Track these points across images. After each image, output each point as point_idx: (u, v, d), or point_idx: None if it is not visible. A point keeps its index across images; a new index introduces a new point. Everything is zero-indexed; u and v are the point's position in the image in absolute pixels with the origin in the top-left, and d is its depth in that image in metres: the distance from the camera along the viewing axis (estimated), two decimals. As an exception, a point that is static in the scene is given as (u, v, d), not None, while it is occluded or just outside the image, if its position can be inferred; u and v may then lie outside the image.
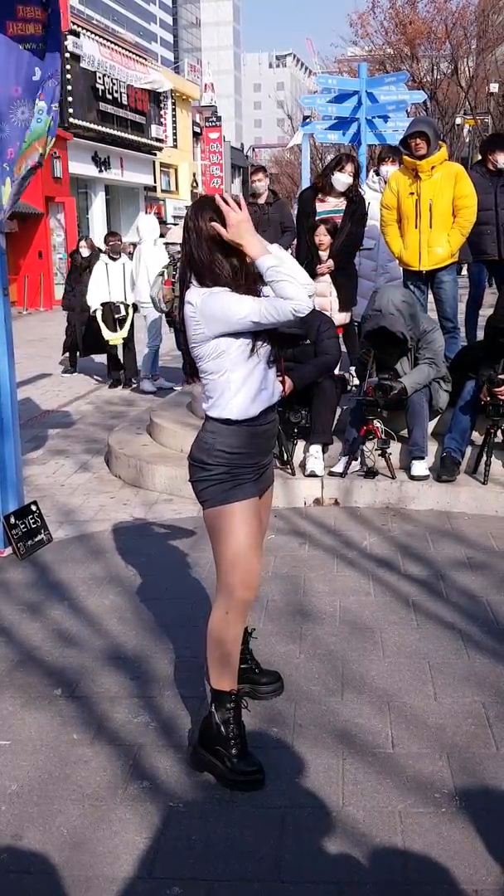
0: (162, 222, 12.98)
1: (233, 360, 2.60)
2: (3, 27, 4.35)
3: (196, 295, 2.59)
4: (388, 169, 7.07)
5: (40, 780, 2.71)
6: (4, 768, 2.77)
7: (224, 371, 2.62)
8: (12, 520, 4.59)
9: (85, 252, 11.38)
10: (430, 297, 6.43)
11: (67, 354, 11.55)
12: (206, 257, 2.59)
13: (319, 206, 6.64)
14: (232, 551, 2.67)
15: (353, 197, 6.59)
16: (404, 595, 4.01)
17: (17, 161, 4.43)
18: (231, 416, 2.64)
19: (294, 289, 2.47)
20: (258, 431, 2.69)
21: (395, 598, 3.98)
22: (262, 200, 8.49)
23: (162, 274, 8.63)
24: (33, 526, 4.73)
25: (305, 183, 12.44)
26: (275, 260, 2.50)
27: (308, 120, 17.89)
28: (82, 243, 11.70)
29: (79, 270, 11.28)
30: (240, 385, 2.62)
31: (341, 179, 6.50)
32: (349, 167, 6.54)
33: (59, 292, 11.82)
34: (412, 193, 5.98)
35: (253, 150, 63.84)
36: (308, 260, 6.45)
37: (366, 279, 7.09)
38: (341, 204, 6.58)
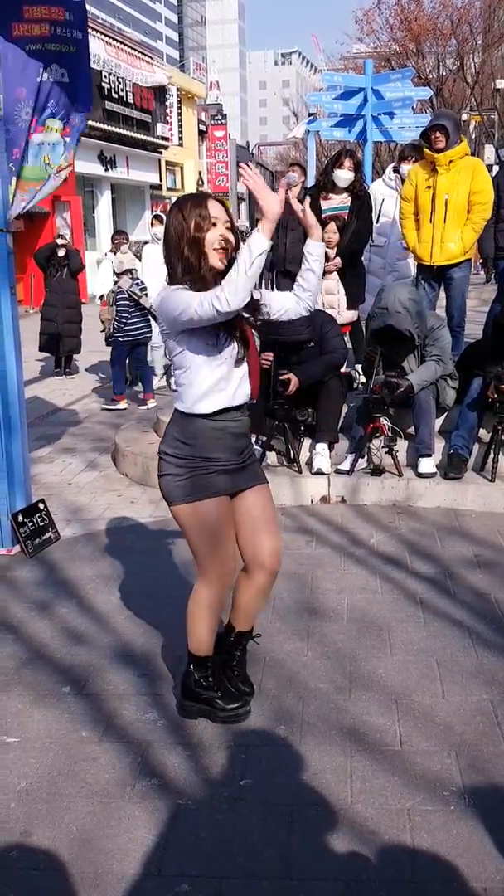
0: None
1: (192, 358, 2.68)
2: (9, 29, 4.36)
3: (160, 293, 2.66)
4: (408, 168, 7.06)
5: (49, 778, 2.71)
6: (13, 765, 2.78)
7: (186, 368, 2.70)
8: (20, 518, 4.60)
9: (61, 252, 11.18)
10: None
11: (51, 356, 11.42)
12: (185, 254, 2.63)
13: (324, 204, 6.63)
14: (206, 548, 2.81)
15: (358, 192, 6.57)
16: (412, 593, 4.01)
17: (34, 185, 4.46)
18: (183, 409, 2.75)
19: (237, 281, 2.46)
20: (215, 428, 2.75)
21: (402, 596, 3.97)
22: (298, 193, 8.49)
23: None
24: (41, 524, 4.74)
25: (311, 181, 12.41)
26: (252, 243, 2.47)
27: (313, 117, 17.88)
28: (59, 241, 11.40)
29: (57, 269, 11.18)
30: (198, 381, 2.69)
31: (342, 176, 6.49)
32: (347, 162, 6.52)
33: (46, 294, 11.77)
34: (429, 187, 5.97)
35: (259, 147, 63.79)
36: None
37: (374, 276, 7.08)
38: (346, 200, 6.56)
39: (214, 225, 2.64)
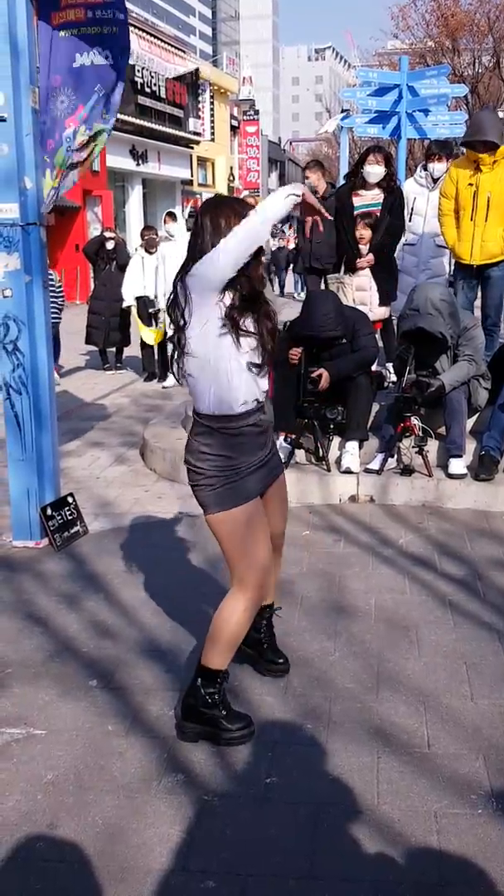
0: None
1: (224, 362, 2.65)
2: (49, 18, 4.38)
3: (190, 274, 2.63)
4: (436, 167, 7.03)
5: (76, 771, 2.73)
6: (40, 757, 2.80)
7: (216, 372, 2.67)
8: (49, 511, 4.64)
9: (110, 245, 11.25)
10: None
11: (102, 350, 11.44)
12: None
13: (356, 200, 6.61)
14: (243, 555, 2.77)
15: (391, 187, 6.54)
16: (441, 594, 3.98)
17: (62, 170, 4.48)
18: (211, 414, 2.71)
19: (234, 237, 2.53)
20: (243, 432, 2.74)
21: (431, 597, 3.95)
22: (319, 194, 8.49)
23: None
24: (69, 518, 4.77)
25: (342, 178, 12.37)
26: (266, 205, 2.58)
27: (347, 113, 17.81)
28: (108, 234, 11.46)
29: (105, 262, 11.19)
30: (231, 383, 2.67)
31: (372, 171, 6.47)
32: (377, 157, 6.50)
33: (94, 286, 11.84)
34: (471, 184, 5.93)
35: (290, 143, 63.70)
36: (349, 255, 6.42)
37: (407, 275, 7.04)
38: (378, 196, 6.53)
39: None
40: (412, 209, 7.10)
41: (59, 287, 10.75)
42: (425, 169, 7.25)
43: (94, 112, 4.52)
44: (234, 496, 2.74)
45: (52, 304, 10.04)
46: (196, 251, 2.66)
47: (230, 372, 2.68)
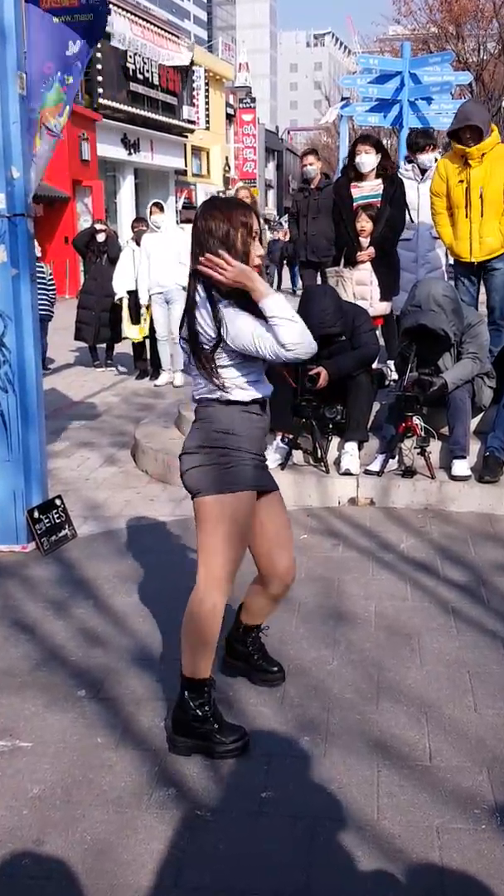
0: (192, 208, 12.96)
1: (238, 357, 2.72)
2: (37, 1, 4.37)
3: (223, 310, 2.67)
4: (428, 157, 7.06)
5: (63, 784, 2.73)
6: (26, 770, 2.79)
7: (232, 360, 2.72)
8: (36, 514, 4.63)
9: (101, 237, 11.24)
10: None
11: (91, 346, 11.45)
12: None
13: (355, 192, 6.61)
14: (227, 545, 2.76)
15: (392, 177, 6.55)
16: (444, 601, 3.99)
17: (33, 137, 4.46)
18: (224, 399, 2.75)
19: (290, 332, 2.60)
20: (252, 417, 2.80)
21: (433, 604, 3.96)
22: (313, 185, 8.48)
23: None
24: (57, 521, 4.77)
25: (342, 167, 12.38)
26: (274, 303, 2.62)
27: (347, 101, 17.83)
28: (99, 226, 11.45)
29: (96, 255, 11.18)
30: (244, 370, 2.75)
31: (365, 161, 6.48)
32: (365, 146, 6.52)
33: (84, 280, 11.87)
34: (461, 181, 5.93)
35: (288, 132, 63.74)
36: (349, 248, 6.42)
37: (407, 271, 7.05)
38: (378, 187, 6.53)
39: (254, 240, 2.71)
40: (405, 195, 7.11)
41: (51, 280, 10.85)
42: (409, 162, 7.29)
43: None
44: (233, 479, 2.75)
45: (43, 298, 10.35)
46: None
47: (253, 373, 2.79)
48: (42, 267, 10.78)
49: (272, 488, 2.98)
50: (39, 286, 10.33)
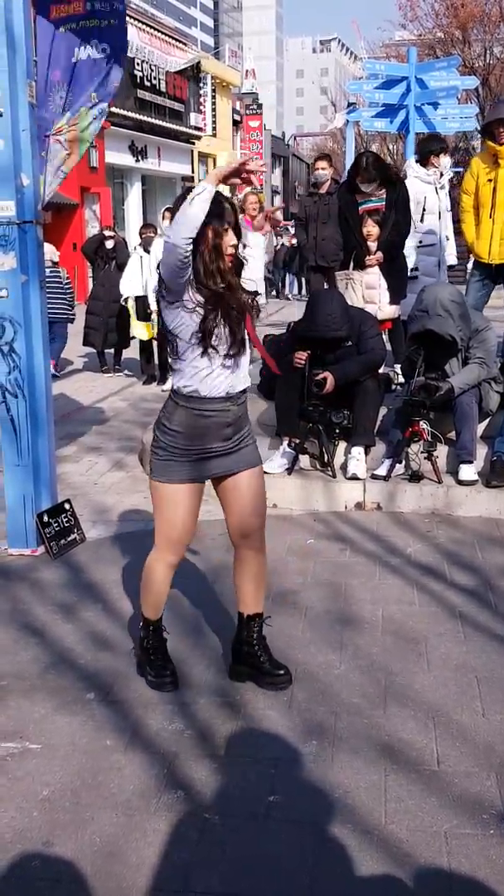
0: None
1: (183, 346, 2.95)
2: (47, 10, 4.40)
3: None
4: (446, 160, 7.09)
5: (72, 787, 2.73)
6: (36, 773, 2.80)
7: (179, 355, 2.99)
8: (45, 518, 4.64)
9: (109, 244, 11.27)
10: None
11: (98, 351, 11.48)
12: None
13: (360, 198, 6.61)
14: (165, 523, 3.15)
15: (395, 183, 6.54)
16: (451, 605, 3.98)
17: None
18: (172, 394, 3.07)
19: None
20: (198, 415, 3.02)
21: (441, 609, 3.95)
22: (323, 190, 8.50)
23: None
24: (66, 525, 4.78)
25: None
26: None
27: (353, 107, 17.85)
28: (108, 232, 11.53)
29: (105, 261, 11.22)
30: (187, 370, 2.97)
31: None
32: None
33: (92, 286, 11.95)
34: (490, 180, 5.93)
35: (294, 138, 63.76)
36: (357, 252, 6.43)
37: (429, 276, 7.06)
38: (381, 193, 6.52)
39: (226, 230, 2.88)
40: (424, 208, 7.11)
41: (68, 283, 10.96)
42: (423, 166, 7.29)
43: (81, 99, 4.54)
44: (172, 472, 3.07)
45: (61, 301, 10.56)
46: None
47: (204, 370, 2.97)
48: (59, 271, 11.01)
49: (246, 468, 3.15)
50: (58, 290, 10.62)
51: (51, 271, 11.30)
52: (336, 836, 2.49)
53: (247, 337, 3.04)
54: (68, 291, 11.11)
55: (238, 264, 2.99)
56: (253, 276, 3.13)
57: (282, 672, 3.30)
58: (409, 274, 6.83)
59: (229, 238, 2.88)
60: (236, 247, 2.93)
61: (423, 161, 7.18)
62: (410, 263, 6.95)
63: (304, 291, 23.40)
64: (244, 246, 3.02)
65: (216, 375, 2.98)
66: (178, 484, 3.09)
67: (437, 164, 7.15)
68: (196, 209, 2.75)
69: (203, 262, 2.87)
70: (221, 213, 2.85)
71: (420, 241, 7.06)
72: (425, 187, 7.14)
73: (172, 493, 3.10)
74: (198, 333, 2.90)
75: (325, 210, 8.20)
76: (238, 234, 2.94)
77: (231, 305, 2.93)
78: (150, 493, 3.23)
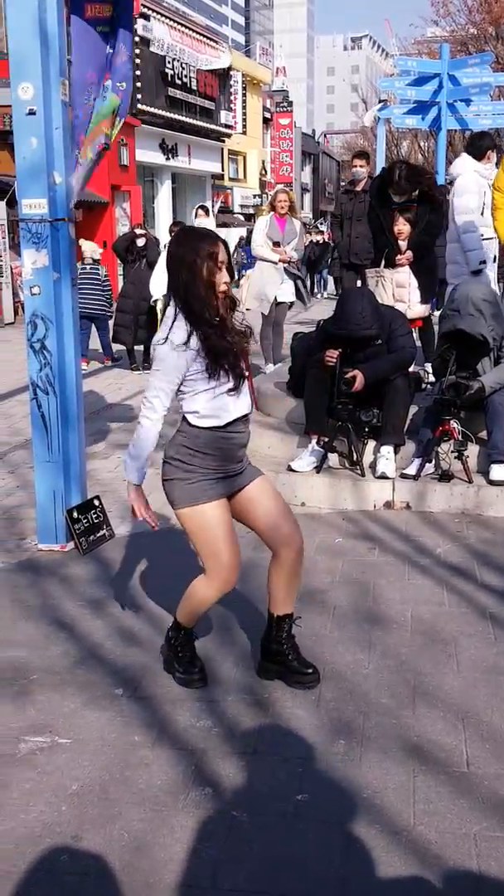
0: (228, 211, 12.97)
1: (191, 384, 3.01)
2: (82, 9, 4.41)
3: (166, 331, 2.99)
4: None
5: (101, 782, 2.75)
6: (65, 767, 2.82)
7: (188, 391, 3.04)
8: (75, 514, 4.67)
9: (140, 242, 11.30)
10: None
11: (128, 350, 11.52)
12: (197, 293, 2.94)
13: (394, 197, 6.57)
14: (209, 550, 3.09)
15: (426, 192, 6.48)
16: (481, 606, 3.95)
17: (83, 144, 4.49)
18: (190, 421, 3.07)
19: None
20: (223, 437, 3.06)
21: (470, 610, 3.92)
22: (359, 188, 8.49)
23: None
24: (96, 521, 4.80)
25: (380, 171, 12.31)
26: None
27: (384, 104, 17.75)
28: (139, 230, 11.60)
29: (135, 259, 11.25)
30: (199, 404, 3.02)
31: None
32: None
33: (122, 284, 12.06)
34: None
35: (325, 136, 63.62)
36: (388, 250, 6.39)
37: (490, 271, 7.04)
38: (415, 194, 6.47)
39: (220, 269, 2.94)
40: (484, 203, 7.06)
41: (106, 280, 11.44)
42: (479, 161, 7.19)
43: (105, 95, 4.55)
44: (204, 492, 3.05)
45: (100, 298, 10.74)
46: (172, 292, 3.01)
47: (213, 401, 3.02)
48: (99, 269, 11.28)
49: (252, 479, 3.19)
50: (96, 287, 10.90)
51: (91, 268, 11.44)
52: (364, 836, 2.48)
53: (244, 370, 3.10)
54: (107, 289, 11.44)
55: (231, 302, 3.05)
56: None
57: (310, 671, 3.30)
58: (476, 268, 6.76)
59: (222, 276, 2.95)
60: (229, 285, 3.00)
61: (480, 156, 7.11)
62: (478, 258, 6.88)
63: (326, 290, 23.35)
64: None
65: (227, 405, 3.03)
66: (212, 501, 3.07)
67: (492, 159, 7.12)
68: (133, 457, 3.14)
69: (197, 297, 2.93)
70: (215, 253, 2.92)
71: (481, 234, 6.99)
72: (484, 182, 7.08)
73: (210, 513, 3.06)
74: (207, 369, 2.96)
75: (360, 208, 8.18)
76: (231, 274, 3.02)
77: (227, 347, 2.99)
78: (181, 525, 3.17)
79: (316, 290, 23.45)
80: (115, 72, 4.53)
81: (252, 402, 3.16)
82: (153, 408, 3.06)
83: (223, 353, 2.97)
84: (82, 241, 12.37)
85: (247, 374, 3.10)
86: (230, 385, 3.01)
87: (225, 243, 3.01)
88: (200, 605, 3.25)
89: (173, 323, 2.97)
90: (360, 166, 8.57)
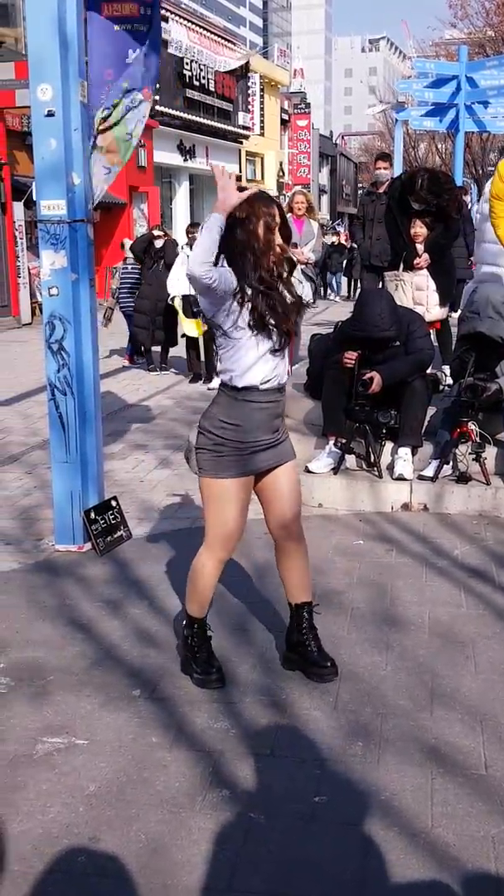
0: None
1: (236, 337, 3.00)
2: (99, 8, 4.42)
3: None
4: None
5: (118, 783, 2.74)
6: (83, 768, 2.82)
7: (231, 346, 3.03)
8: (92, 515, 4.67)
9: (158, 243, 11.32)
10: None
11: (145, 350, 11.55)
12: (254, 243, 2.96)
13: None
14: (217, 519, 3.18)
15: (444, 208, 6.45)
16: (499, 608, 3.92)
17: (110, 151, 4.51)
18: (229, 385, 3.07)
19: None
20: (259, 407, 3.08)
21: (489, 612, 3.90)
22: (381, 190, 8.48)
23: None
24: (113, 522, 4.80)
25: (398, 173, 12.28)
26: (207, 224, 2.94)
27: (402, 106, 17.71)
28: (157, 232, 11.64)
29: (153, 260, 11.26)
30: (242, 357, 3.02)
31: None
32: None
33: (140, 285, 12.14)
34: None
35: (342, 137, 63.51)
36: (406, 253, 6.36)
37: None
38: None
39: (274, 229, 2.97)
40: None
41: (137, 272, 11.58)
42: None
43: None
44: (224, 468, 3.10)
45: (129, 296, 11.33)
46: (226, 254, 3.00)
47: (253, 358, 3.02)
48: (139, 268, 11.48)
49: (285, 461, 3.23)
50: (136, 287, 11.37)
51: (132, 267, 11.52)
52: (381, 839, 2.47)
53: (294, 330, 3.12)
54: (139, 282, 11.58)
55: (289, 264, 3.08)
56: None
57: (328, 664, 3.32)
58: None
59: (276, 237, 2.98)
60: (283, 247, 3.01)
61: None
62: None
63: (342, 291, 23.28)
64: (294, 245, 3.08)
65: (268, 367, 3.05)
66: (231, 479, 3.13)
67: None
68: (205, 238, 2.88)
69: (253, 254, 2.95)
70: (272, 213, 2.97)
71: None
72: None
73: (225, 489, 3.13)
74: (250, 323, 2.96)
75: (382, 210, 8.16)
76: (287, 237, 3.02)
77: (279, 300, 3.01)
78: (199, 490, 3.24)
79: (327, 292, 23.41)
80: (134, 74, 4.54)
81: (287, 371, 3.16)
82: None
83: (270, 309, 2.97)
84: (126, 241, 12.52)
85: (291, 338, 3.11)
86: (272, 345, 3.02)
87: (279, 204, 3.03)
88: (204, 581, 3.27)
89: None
90: (384, 168, 8.57)
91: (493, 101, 12.14)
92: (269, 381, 3.06)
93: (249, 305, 2.96)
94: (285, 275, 3.08)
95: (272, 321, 2.99)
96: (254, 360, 3.02)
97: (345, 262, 22.44)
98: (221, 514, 3.17)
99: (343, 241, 23.22)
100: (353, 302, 7.63)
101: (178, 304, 10.23)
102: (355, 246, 18.36)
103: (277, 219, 2.97)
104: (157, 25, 4.62)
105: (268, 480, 3.23)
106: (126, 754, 2.89)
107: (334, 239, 23.29)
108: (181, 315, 10.26)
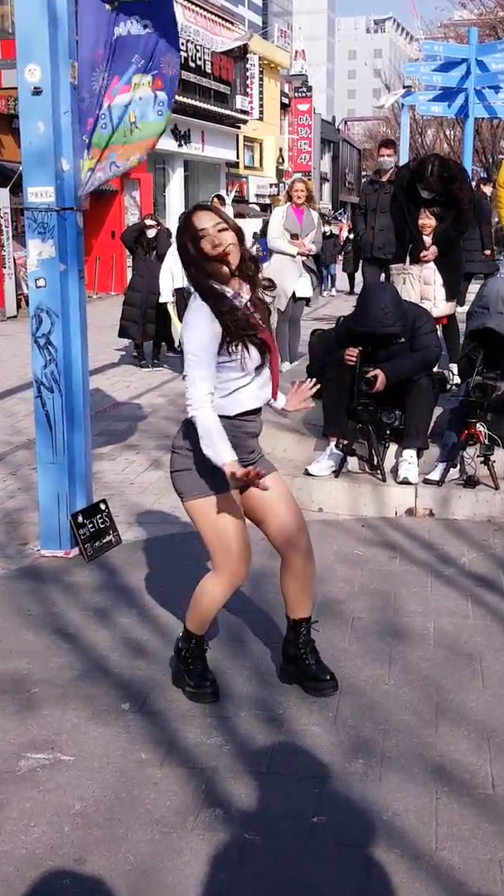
0: (244, 201, 12.99)
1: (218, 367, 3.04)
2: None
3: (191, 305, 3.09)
4: None
5: (106, 801, 2.74)
6: (68, 786, 2.82)
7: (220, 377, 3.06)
8: (80, 518, 4.67)
9: (151, 233, 11.31)
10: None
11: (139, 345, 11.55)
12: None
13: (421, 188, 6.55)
14: (219, 543, 3.13)
15: (454, 195, 6.46)
16: (508, 619, 3.94)
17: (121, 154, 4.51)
18: (222, 412, 3.07)
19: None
20: (234, 426, 3.09)
21: (497, 622, 3.91)
22: (385, 178, 8.49)
23: None
24: (101, 526, 4.80)
25: (403, 160, 12.30)
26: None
27: (408, 90, 17.76)
28: (149, 221, 11.63)
29: (145, 251, 11.25)
30: (219, 386, 3.06)
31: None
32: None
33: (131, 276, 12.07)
34: None
35: (345, 123, 63.62)
36: (413, 245, 6.37)
37: None
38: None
39: (203, 236, 2.97)
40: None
41: None
42: None
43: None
44: (212, 484, 3.07)
45: None
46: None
47: (230, 388, 3.07)
48: None
49: (264, 474, 3.14)
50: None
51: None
52: (383, 861, 2.47)
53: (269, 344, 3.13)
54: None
55: (253, 265, 3.11)
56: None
57: (327, 677, 3.32)
58: None
59: (210, 240, 2.97)
60: (220, 242, 2.97)
61: None
62: None
63: (335, 286, 23.28)
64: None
65: (247, 391, 3.09)
66: (222, 493, 3.09)
67: None
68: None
69: (199, 272, 3.02)
70: (192, 224, 3.00)
71: None
72: None
73: (219, 504, 3.10)
74: (224, 352, 3.00)
75: (385, 199, 8.17)
76: (240, 236, 3.04)
77: (247, 320, 3.04)
78: (190, 518, 3.21)
79: (321, 285, 23.35)
80: (168, 80, 4.53)
81: (273, 391, 3.19)
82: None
83: (242, 326, 3.00)
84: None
85: (272, 352, 3.13)
86: (254, 362, 3.04)
87: (212, 208, 3.06)
88: (210, 605, 3.25)
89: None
90: (388, 155, 8.58)
91: (504, 85, 12.17)
92: (249, 405, 3.11)
93: (221, 326, 2.97)
94: (254, 277, 3.10)
95: (248, 346, 3.01)
96: (234, 387, 3.07)
97: (340, 254, 22.43)
98: (222, 532, 3.12)
99: (336, 232, 23.19)
100: (355, 296, 7.64)
101: (171, 309, 10.20)
102: (350, 238, 18.37)
103: (202, 224, 2.97)
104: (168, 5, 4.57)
105: (255, 497, 3.19)
106: (114, 771, 2.89)
107: (326, 229, 23.25)
108: (174, 319, 10.23)
